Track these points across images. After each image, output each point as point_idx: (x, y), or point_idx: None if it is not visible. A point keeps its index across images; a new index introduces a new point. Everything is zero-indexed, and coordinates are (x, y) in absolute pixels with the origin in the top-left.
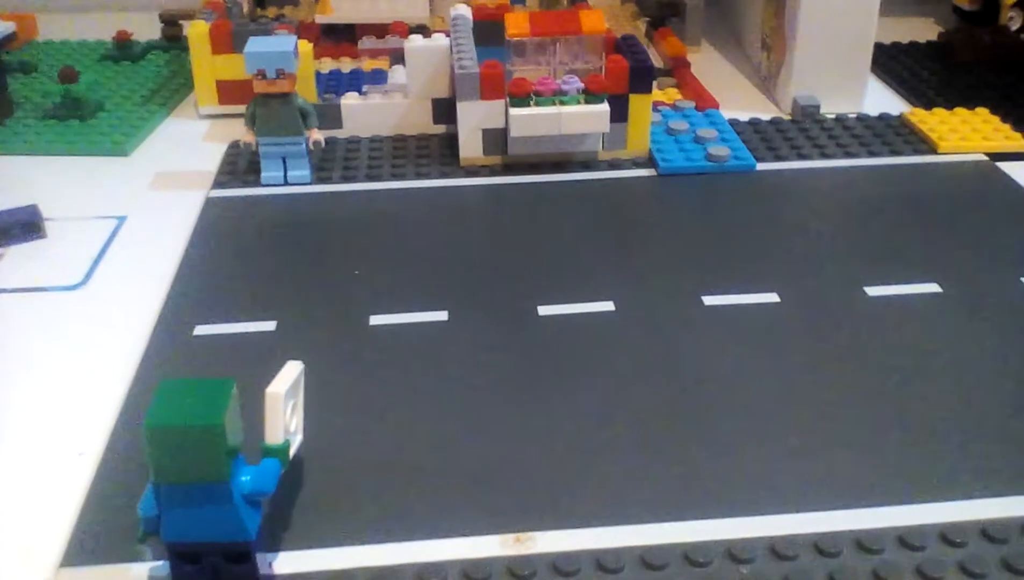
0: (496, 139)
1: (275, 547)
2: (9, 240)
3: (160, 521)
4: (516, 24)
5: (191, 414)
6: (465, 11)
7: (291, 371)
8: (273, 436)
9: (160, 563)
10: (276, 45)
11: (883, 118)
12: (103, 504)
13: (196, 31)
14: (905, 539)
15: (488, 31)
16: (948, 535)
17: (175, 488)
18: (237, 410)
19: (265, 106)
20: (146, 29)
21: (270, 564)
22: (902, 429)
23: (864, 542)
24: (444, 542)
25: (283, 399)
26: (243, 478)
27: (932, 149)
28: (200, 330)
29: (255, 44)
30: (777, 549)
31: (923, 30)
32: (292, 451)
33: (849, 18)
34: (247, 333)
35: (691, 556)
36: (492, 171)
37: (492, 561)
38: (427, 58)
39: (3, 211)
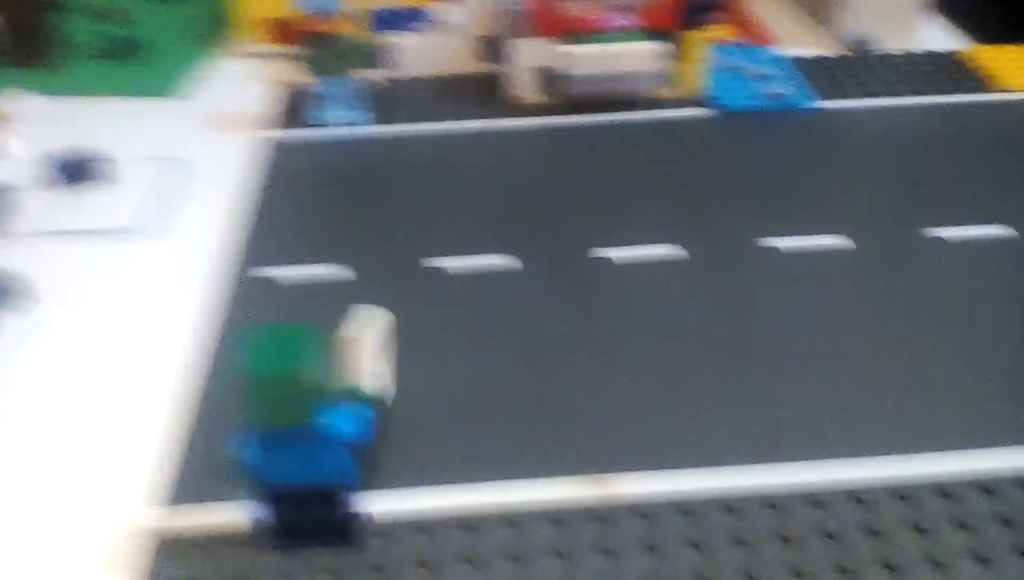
0: (552, 78)
1: (365, 488)
2: (74, 182)
3: (259, 464)
4: None
5: (290, 360)
6: None
7: (373, 318)
8: (365, 383)
9: (253, 503)
10: None
11: (946, 55)
12: (193, 446)
13: None
14: (985, 485)
15: None
16: None
17: (275, 432)
18: (329, 357)
19: (321, 46)
20: None
21: (360, 505)
22: (978, 376)
23: (945, 488)
24: (525, 483)
25: (375, 347)
26: (340, 423)
27: (996, 87)
28: (272, 273)
29: None
30: (856, 495)
31: None
32: (387, 398)
33: None
34: (321, 277)
35: (770, 501)
36: (548, 110)
37: (574, 503)
38: None
39: (66, 153)
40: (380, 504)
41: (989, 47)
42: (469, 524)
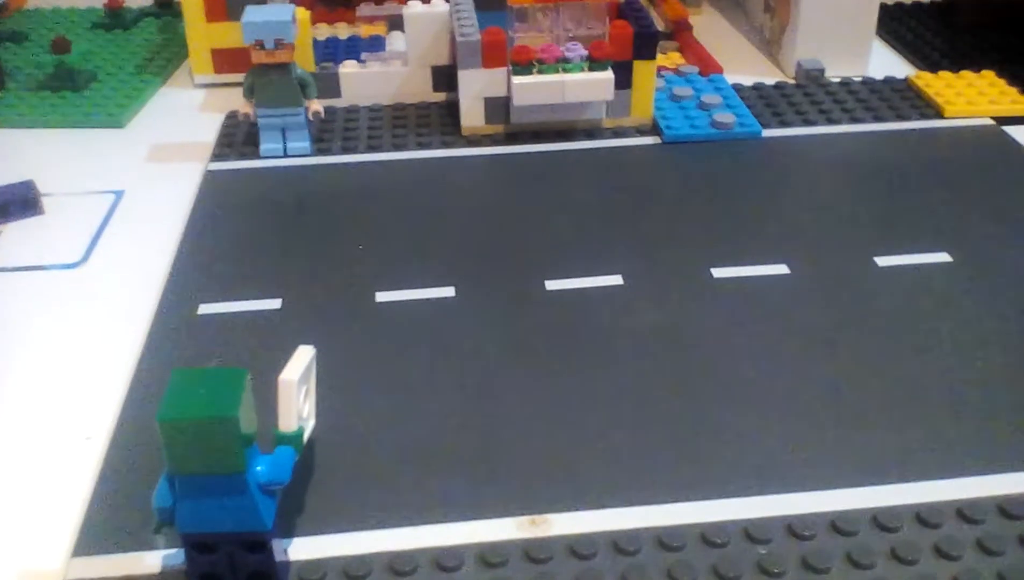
0: (498, 107)
1: (290, 533)
2: (6, 217)
3: (175, 512)
4: None
5: (205, 406)
6: None
7: (303, 356)
8: (287, 424)
9: (174, 551)
10: (274, 14)
11: (888, 82)
12: (114, 490)
13: None
14: (923, 517)
15: None
16: (965, 512)
17: (190, 479)
18: (250, 400)
19: (263, 77)
20: None
21: (285, 550)
22: (916, 403)
23: (881, 520)
24: (459, 525)
25: (296, 386)
26: (258, 468)
27: (938, 113)
28: (204, 309)
29: (252, 13)
30: (794, 529)
31: None
32: (306, 437)
33: None
34: (252, 312)
35: (708, 536)
36: (494, 140)
37: (508, 544)
38: (426, 24)
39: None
40: (306, 549)
41: (929, 74)
42: (400, 569)
